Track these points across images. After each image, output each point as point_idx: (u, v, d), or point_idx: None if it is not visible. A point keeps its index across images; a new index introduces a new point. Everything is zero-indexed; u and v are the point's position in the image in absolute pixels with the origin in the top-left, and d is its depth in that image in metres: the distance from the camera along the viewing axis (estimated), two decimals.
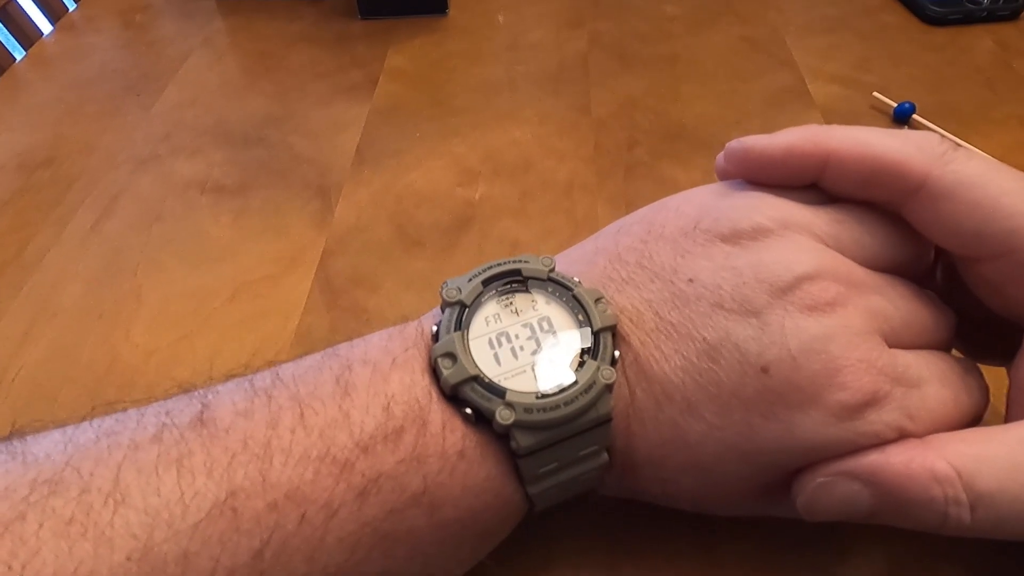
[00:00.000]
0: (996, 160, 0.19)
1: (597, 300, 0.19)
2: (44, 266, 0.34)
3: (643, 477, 0.19)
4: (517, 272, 0.19)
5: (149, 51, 0.49)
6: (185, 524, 0.15)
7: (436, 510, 0.17)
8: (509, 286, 0.19)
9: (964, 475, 0.17)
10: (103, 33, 0.52)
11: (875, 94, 0.40)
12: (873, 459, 0.17)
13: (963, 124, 0.38)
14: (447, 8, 0.50)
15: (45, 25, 0.57)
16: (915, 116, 0.38)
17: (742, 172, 0.20)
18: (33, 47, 0.51)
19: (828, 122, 0.39)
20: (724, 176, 0.21)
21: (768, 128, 0.39)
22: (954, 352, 0.21)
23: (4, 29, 0.55)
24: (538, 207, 0.35)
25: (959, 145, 0.19)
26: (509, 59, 0.46)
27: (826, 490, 0.18)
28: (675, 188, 0.38)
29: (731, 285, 0.18)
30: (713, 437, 0.18)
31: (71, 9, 0.55)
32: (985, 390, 0.20)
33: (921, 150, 0.19)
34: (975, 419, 0.19)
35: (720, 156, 0.21)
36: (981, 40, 0.45)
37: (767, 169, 0.20)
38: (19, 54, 0.52)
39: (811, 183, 0.20)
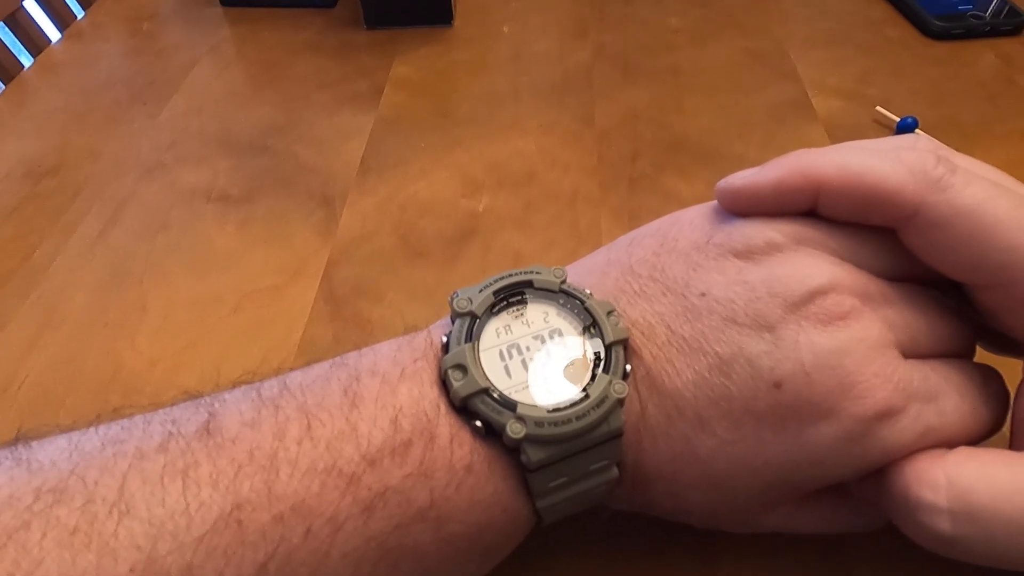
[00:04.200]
0: (1001, 177, 0.19)
1: (609, 313, 0.19)
2: (50, 274, 0.34)
3: (653, 492, 0.19)
4: (529, 283, 0.19)
5: (156, 59, 0.49)
6: (190, 536, 0.15)
7: (442, 525, 0.17)
8: (520, 297, 0.19)
9: (958, 487, 0.17)
10: (111, 41, 0.52)
11: (878, 108, 0.40)
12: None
13: (965, 139, 0.38)
14: (453, 19, 0.50)
15: (53, 32, 0.58)
16: (918, 131, 0.38)
17: (734, 210, 0.20)
18: (41, 54, 0.51)
19: (831, 136, 0.40)
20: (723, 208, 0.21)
21: (771, 141, 0.39)
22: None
23: (12, 36, 0.55)
24: (542, 218, 0.36)
25: (958, 164, 0.18)
26: (514, 70, 0.46)
27: None
28: (678, 200, 0.38)
29: (744, 300, 0.18)
30: (724, 452, 0.18)
31: (79, 17, 0.56)
32: (1005, 399, 0.20)
33: (915, 176, 0.18)
34: (994, 429, 0.19)
35: (718, 185, 0.20)
36: (984, 55, 0.45)
37: (758, 205, 0.19)
38: (27, 61, 0.52)
39: (807, 211, 0.19)
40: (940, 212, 0.18)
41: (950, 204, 0.18)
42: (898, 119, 0.39)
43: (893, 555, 0.22)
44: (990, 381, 0.19)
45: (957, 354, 0.20)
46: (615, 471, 0.18)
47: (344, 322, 0.31)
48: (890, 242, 0.19)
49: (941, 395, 0.18)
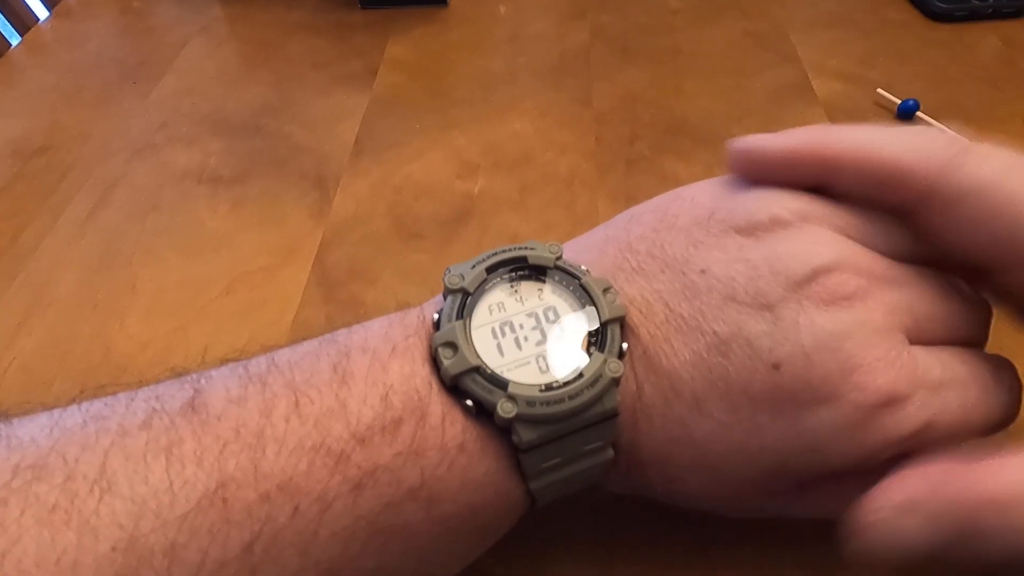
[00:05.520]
0: (1018, 155, 0.18)
1: (605, 290, 0.18)
2: (39, 255, 0.33)
3: (648, 474, 0.19)
4: (523, 259, 0.19)
5: (147, 38, 0.49)
6: (173, 514, 0.15)
7: (434, 505, 0.17)
8: (514, 274, 0.19)
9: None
10: (100, 19, 0.51)
11: (879, 91, 0.39)
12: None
13: (967, 122, 0.38)
14: None
15: (41, 11, 0.56)
16: (919, 113, 0.38)
17: (743, 172, 0.19)
18: (29, 33, 0.50)
19: (831, 119, 0.39)
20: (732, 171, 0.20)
21: (771, 124, 0.39)
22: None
23: (0, 14, 0.54)
24: (538, 201, 0.35)
25: (973, 144, 0.18)
26: (510, 51, 0.46)
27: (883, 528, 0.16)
28: (676, 183, 0.37)
29: (745, 278, 0.17)
30: (721, 436, 0.17)
31: None
32: (1017, 392, 0.19)
33: (929, 155, 0.17)
34: (1002, 424, 0.19)
35: (732, 143, 0.20)
36: (986, 37, 0.44)
37: (767, 172, 0.19)
38: (15, 40, 0.51)
39: (816, 186, 0.19)
40: (954, 190, 0.17)
41: (967, 179, 0.17)
42: (899, 101, 0.38)
43: None
44: (1001, 373, 0.19)
45: (967, 342, 0.19)
46: (610, 452, 0.18)
47: (337, 304, 0.31)
48: (903, 222, 0.18)
49: (947, 384, 0.17)
